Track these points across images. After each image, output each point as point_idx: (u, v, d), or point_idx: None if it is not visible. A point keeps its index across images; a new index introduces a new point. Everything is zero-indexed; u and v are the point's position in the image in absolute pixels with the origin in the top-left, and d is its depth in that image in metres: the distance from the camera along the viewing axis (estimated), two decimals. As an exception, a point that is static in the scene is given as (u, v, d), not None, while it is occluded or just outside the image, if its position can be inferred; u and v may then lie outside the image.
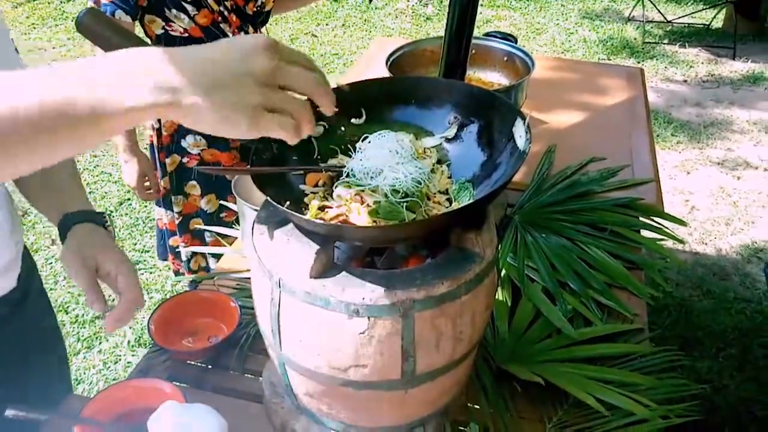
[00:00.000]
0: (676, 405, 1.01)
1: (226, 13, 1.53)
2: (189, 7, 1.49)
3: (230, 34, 1.56)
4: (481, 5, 5.79)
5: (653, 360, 1.14)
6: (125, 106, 0.53)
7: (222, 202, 1.72)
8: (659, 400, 1.03)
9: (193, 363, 1.11)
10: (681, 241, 1.48)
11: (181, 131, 1.66)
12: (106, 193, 3.28)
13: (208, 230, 1.65)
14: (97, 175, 3.42)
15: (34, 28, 5.15)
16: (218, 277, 1.29)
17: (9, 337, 1.01)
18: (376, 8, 5.69)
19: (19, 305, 1.03)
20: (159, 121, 1.65)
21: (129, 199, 3.21)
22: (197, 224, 1.77)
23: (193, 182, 1.72)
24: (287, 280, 0.80)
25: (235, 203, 1.34)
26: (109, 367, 2.33)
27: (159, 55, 0.55)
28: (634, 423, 0.98)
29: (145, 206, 3.11)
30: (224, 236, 1.45)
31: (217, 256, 1.73)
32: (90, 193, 3.28)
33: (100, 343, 2.43)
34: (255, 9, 1.60)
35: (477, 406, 1.04)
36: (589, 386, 1.02)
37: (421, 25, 5.40)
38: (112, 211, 3.15)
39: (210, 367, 1.11)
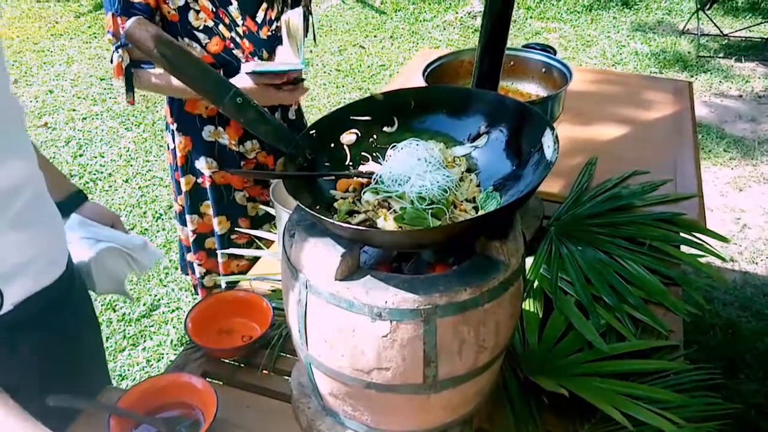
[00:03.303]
0: (707, 423, 0.99)
1: (238, 39, 1.54)
2: (201, 36, 1.51)
3: (243, 60, 1.57)
4: (531, 17, 5.75)
5: (687, 377, 1.12)
6: None
7: (237, 229, 1.77)
8: (690, 417, 1.01)
9: (226, 361, 1.15)
10: (723, 258, 1.45)
11: (194, 152, 1.70)
12: (156, 196, 3.39)
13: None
14: (148, 180, 3.53)
15: (95, 37, 5.38)
16: (254, 279, 1.33)
17: (58, 324, 1.07)
18: (424, 20, 5.72)
19: (67, 292, 1.09)
20: (174, 140, 1.70)
21: (177, 203, 3.31)
22: (211, 245, 1.82)
23: (208, 202, 1.76)
24: (314, 281, 0.82)
25: (272, 207, 1.38)
26: (152, 364, 2.40)
27: None
28: (662, 440, 0.96)
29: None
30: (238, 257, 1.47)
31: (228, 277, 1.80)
32: (141, 196, 3.40)
33: (144, 341, 2.51)
34: (269, 33, 1.59)
35: (502, 417, 1.04)
36: (617, 401, 1.01)
37: (468, 37, 5.41)
38: (161, 214, 3.25)
39: (242, 365, 1.14)
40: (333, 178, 0.94)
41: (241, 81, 1.50)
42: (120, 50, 1.51)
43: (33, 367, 1.03)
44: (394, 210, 0.85)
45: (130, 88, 1.56)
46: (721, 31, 5.17)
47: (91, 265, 1.17)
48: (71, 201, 1.25)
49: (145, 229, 3.15)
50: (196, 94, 0.91)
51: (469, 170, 0.94)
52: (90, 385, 1.07)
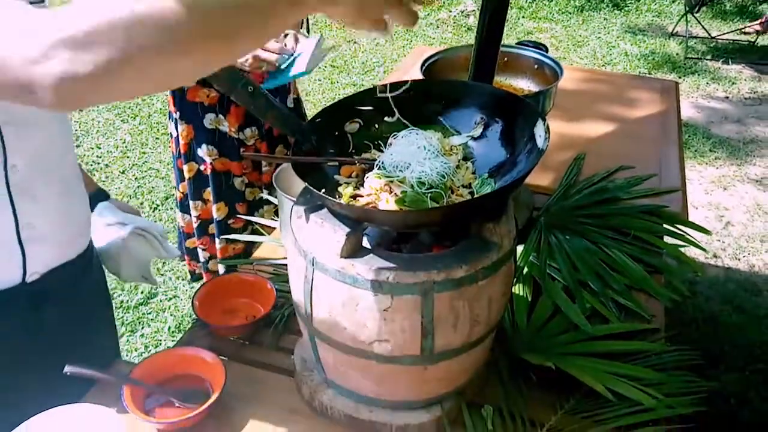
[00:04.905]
0: (683, 397, 1.06)
1: None
2: None
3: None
4: (523, 17, 5.83)
5: (668, 358, 1.19)
6: None
7: (241, 216, 1.82)
8: (669, 394, 1.08)
9: (231, 338, 1.21)
10: (704, 249, 1.52)
11: (197, 140, 1.76)
12: (153, 187, 3.43)
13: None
14: (145, 171, 3.57)
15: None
16: (257, 263, 1.38)
17: (79, 296, 1.13)
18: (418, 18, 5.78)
19: (89, 265, 1.15)
20: (177, 129, 1.76)
21: (173, 195, 3.36)
22: (214, 230, 1.88)
23: (209, 189, 1.82)
24: (320, 258, 0.88)
25: (275, 195, 1.44)
26: (150, 350, 2.45)
27: None
28: (641, 411, 1.03)
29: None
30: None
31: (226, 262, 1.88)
32: (138, 187, 3.44)
33: (142, 328, 2.56)
34: None
35: (493, 391, 1.10)
36: (601, 377, 1.08)
37: (462, 35, 5.47)
38: (158, 205, 3.29)
39: (247, 343, 1.20)
40: (337, 163, 1.00)
41: None
42: None
43: (53, 338, 1.08)
44: (396, 193, 0.91)
45: None
46: (709, 34, 5.27)
47: (120, 247, 1.20)
48: (95, 197, 1.29)
49: (142, 220, 3.19)
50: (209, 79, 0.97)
51: (465, 158, 1.00)
52: (103, 359, 1.13)
